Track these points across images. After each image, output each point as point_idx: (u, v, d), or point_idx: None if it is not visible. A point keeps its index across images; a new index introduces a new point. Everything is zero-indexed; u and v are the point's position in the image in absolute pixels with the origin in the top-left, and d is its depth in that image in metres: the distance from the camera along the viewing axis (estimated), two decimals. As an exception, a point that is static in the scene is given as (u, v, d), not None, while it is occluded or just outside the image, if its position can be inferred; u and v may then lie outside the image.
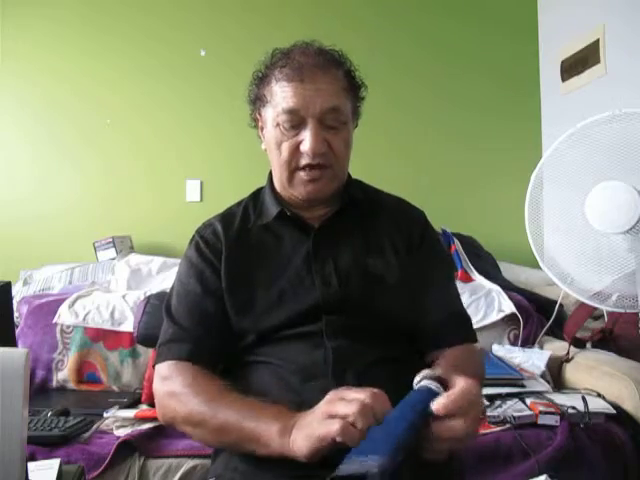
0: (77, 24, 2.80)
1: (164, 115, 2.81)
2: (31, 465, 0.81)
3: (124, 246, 2.60)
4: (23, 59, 2.78)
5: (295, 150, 0.96)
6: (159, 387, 0.95)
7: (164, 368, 0.96)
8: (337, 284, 0.96)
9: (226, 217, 1.07)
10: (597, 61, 2.36)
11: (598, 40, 2.35)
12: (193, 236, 1.07)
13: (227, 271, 1.00)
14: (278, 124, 0.96)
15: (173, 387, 0.93)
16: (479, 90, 2.88)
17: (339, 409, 0.70)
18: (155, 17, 2.82)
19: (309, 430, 0.74)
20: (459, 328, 1.04)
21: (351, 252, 1.00)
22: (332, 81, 0.97)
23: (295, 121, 0.95)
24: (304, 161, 0.96)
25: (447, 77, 2.87)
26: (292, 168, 0.98)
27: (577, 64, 2.51)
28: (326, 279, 0.97)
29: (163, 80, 2.81)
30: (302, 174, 0.97)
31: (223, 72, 2.81)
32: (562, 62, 2.64)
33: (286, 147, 0.96)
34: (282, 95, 0.95)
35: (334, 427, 0.69)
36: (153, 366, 0.99)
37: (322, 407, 0.74)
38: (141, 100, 2.81)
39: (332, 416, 0.71)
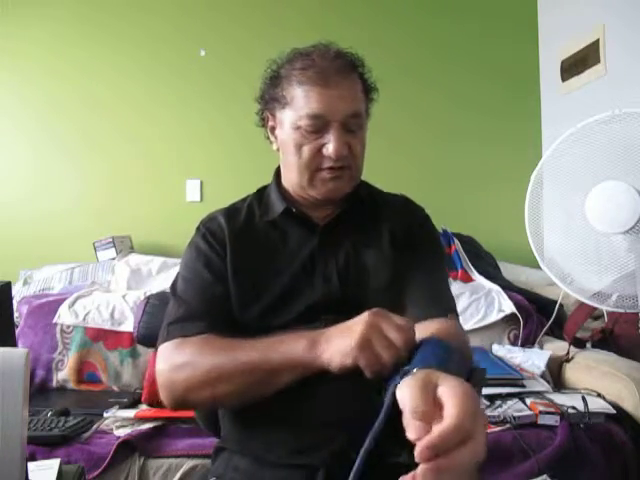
0: (77, 24, 2.80)
1: (164, 115, 2.81)
2: (31, 465, 0.82)
3: (124, 246, 2.60)
4: (23, 59, 2.78)
5: (317, 153, 0.96)
6: (164, 366, 0.91)
7: (171, 346, 0.92)
8: (337, 282, 0.97)
9: (230, 211, 1.07)
10: (597, 61, 2.36)
11: (598, 40, 2.35)
12: (198, 226, 1.06)
13: (231, 264, 0.99)
14: (299, 127, 0.96)
15: (182, 358, 0.89)
16: (479, 90, 2.88)
17: (377, 346, 0.73)
18: (155, 17, 2.82)
19: (341, 347, 0.76)
20: (438, 304, 0.98)
21: (352, 250, 1.00)
22: (353, 85, 0.97)
23: (318, 125, 0.95)
24: (327, 164, 0.97)
25: (447, 77, 2.87)
26: (313, 169, 0.98)
27: (577, 64, 2.51)
28: (327, 277, 0.98)
29: (163, 80, 2.81)
30: (324, 173, 0.98)
31: (223, 72, 2.81)
32: (562, 62, 2.64)
33: (308, 149, 0.96)
34: (306, 99, 0.95)
35: (365, 361, 0.74)
36: (155, 349, 0.96)
37: (360, 330, 0.75)
38: (141, 100, 2.81)
39: (367, 345, 0.74)
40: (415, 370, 0.64)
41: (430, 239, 1.07)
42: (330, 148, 0.94)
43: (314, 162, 0.97)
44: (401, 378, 0.65)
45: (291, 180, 1.03)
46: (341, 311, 0.94)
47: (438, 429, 0.51)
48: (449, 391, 0.55)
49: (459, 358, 0.73)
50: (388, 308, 0.88)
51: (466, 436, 0.51)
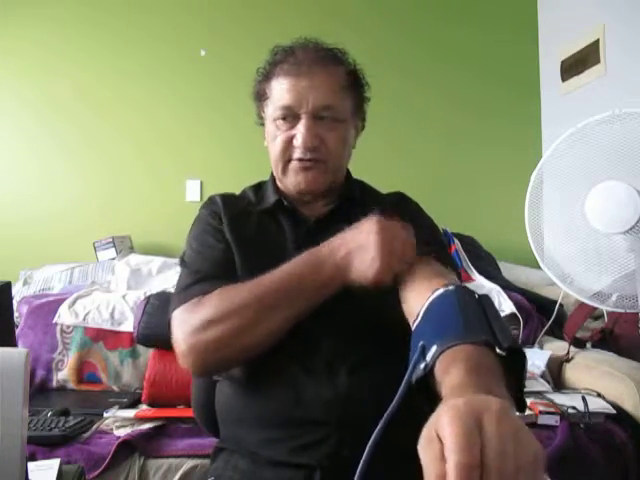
0: (77, 24, 2.80)
1: (164, 115, 2.81)
2: (31, 465, 0.82)
3: (124, 246, 2.60)
4: (23, 59, 2.78)
5: (288, 143, 0.98)
6: (183, 330, 0.86)
7: (188, 308, 0.88)
8: None
9: (228, 196, 1.08)
10: (597, 61, 2.36)
11: (598, 40, 2.35)
12: (201, 207, 1.07)
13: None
14: (274, 119, 0.98)
15: (203, 315, 0.86)
16: (479, 90, 2.88)
17: (403, 254, 0.83)
18: (155, 17, 2.82)
19: (370, 276, 0.82)
20: (421, 242, 0.92)
21: None
22: (329, 78, 0.97)
23: (289, 116, 0.97)
24: (296, 155, 0.98)
25: (447, 77, 2.87)
26: (285, 160, 0.99)
27: (577, 64, 2.51)
28: None
29: (163, 80, 2.81)
30: (294, 164, 0.99)
31: (223, 72, 2.81)
32: (562, 62, 2.64)
33: (280, 141, 0.98)
34: (279, 91, 0.97)
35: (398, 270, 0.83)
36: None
37: (379, 239, 0.82)
38: (141, 100, 2.81)
39: (392, 269, 0.82)
40: (435, 348, 0.60)
41: (418, 221, 1.01)
42: (299, 139, 0.96)
43: (286, 153, 0.98)
44: (420, 359, 0.61)
45: (274, 174, 1.05)
46: (329, 309, 0.93)
47: None
48: (441, 424, 0.44)
49: (475, 305, 0.67)
50: (378, 303, 0.88)
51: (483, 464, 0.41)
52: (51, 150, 2.79)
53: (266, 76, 1.02)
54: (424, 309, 0.69)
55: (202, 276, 0.93)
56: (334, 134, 0.98)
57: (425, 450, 0.44)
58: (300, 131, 0.96)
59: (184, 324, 0.87)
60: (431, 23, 2.90)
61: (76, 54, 2.80)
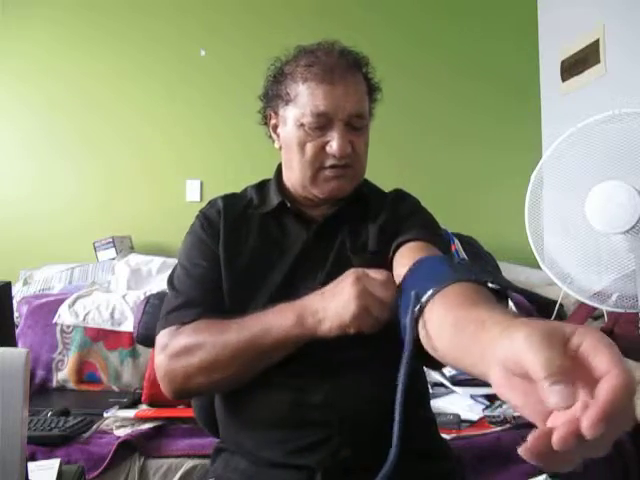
0: (77, 24, 2.80)
1: (164, 115, 2.81)
2: (31, 465, 0.82)
3: (124, 246, 2.60)
4: (23, 59, 2.78)
5: (320, 150, 0.95)
6: (161, 356, 0.91)
7: (166, 334, 0.93)
8: (322, 282, 0.94)
9: (230, 197, 1.08)
10: (597, 61, 2.36)
11: (598, 40, 2.35)
12: (197, 214, 1.07)
13: (224, 252, 0.99)
14: (302, 124, 0.95)
15: (178, 345, 0.90)
16: (479, 90, 2.88)
17: (373, 310, 0.79)
18: (155, 17, 2.82)
19: (339, 320, 0.80)
20: (419, 229, 0.96)
21: (343, 250, 0.99)
22: (358, 85, 0.97)
23: (322, 123, 0.94)
24: (330, 162, 0.96)
25: (447, 77, 2.87)
26: (316, 167, 0.97)
27: (577, 64, 2.51)
28: (319, 279, 0.95)
29: (163, 80, 2.81)
30: (327, 172, 0.97)
31: (223, 72, 2.81)
32: (562, 62, 2.64)
33: (311, 147, 0.95)
34: (310, 97, 0.94)
35: (366, 327, 0.80)
36: (153, 341, 0.95)
37: (354, 304, 0.79)
38: (141, 100, 2.81)
39: (365, 314, 0.79)
40: (430, 291, 0.67)
41: (415, 214, 1.03)
42: (334, 146, 0.94)
43: (317, 160, 0.96)
44: (415, 304, 0.68)
45: (293, 179, 1.02)
46: None
47: (607, 388, 0.39)
48: (593, 342, 0.44)
49: (468, 264, 0.73)
50: None
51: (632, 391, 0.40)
52: (51, 150, 2.79)
53: (288, 77, 0.98)
54: (410, 267, 0.76)
55: (184, 301, 0.95)
56: (361, 139, 0.98)
57: (543, 339, 0.42)
58: (335, 138, 0.94)
59: (162, 351, 0.92)
60: (431, 24, 2.90)
61: (75, 54, 2.80)
